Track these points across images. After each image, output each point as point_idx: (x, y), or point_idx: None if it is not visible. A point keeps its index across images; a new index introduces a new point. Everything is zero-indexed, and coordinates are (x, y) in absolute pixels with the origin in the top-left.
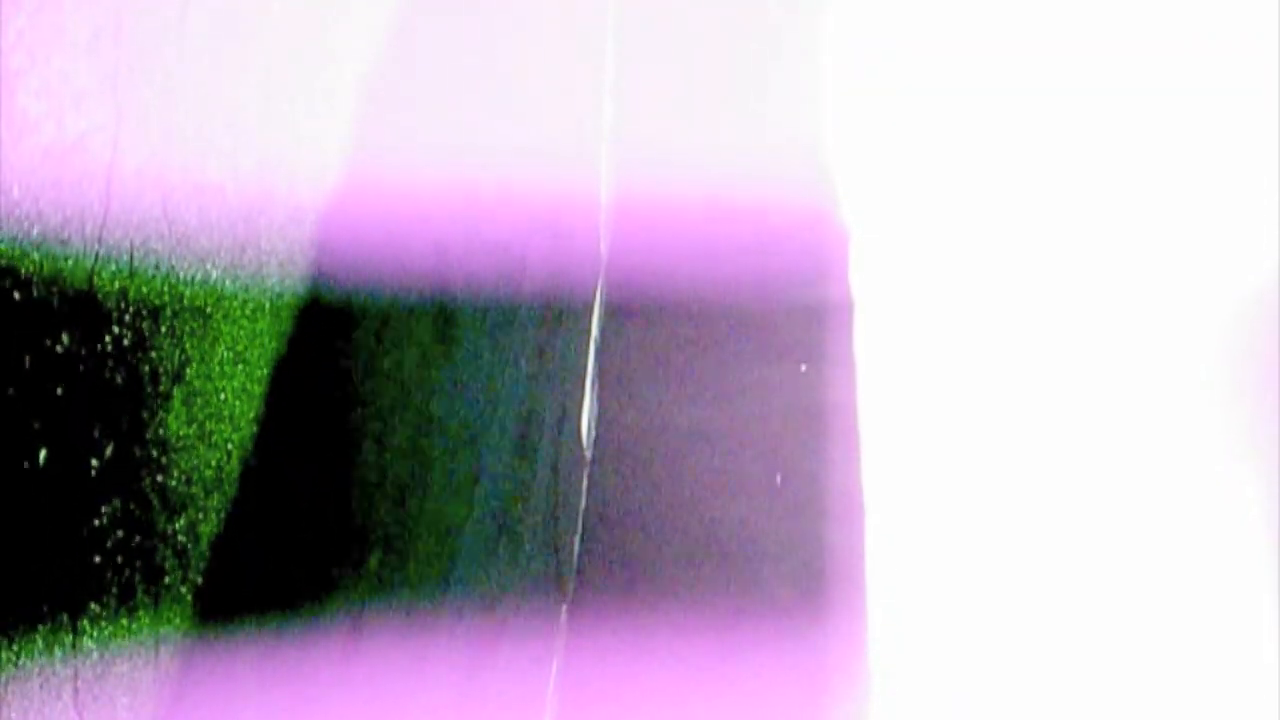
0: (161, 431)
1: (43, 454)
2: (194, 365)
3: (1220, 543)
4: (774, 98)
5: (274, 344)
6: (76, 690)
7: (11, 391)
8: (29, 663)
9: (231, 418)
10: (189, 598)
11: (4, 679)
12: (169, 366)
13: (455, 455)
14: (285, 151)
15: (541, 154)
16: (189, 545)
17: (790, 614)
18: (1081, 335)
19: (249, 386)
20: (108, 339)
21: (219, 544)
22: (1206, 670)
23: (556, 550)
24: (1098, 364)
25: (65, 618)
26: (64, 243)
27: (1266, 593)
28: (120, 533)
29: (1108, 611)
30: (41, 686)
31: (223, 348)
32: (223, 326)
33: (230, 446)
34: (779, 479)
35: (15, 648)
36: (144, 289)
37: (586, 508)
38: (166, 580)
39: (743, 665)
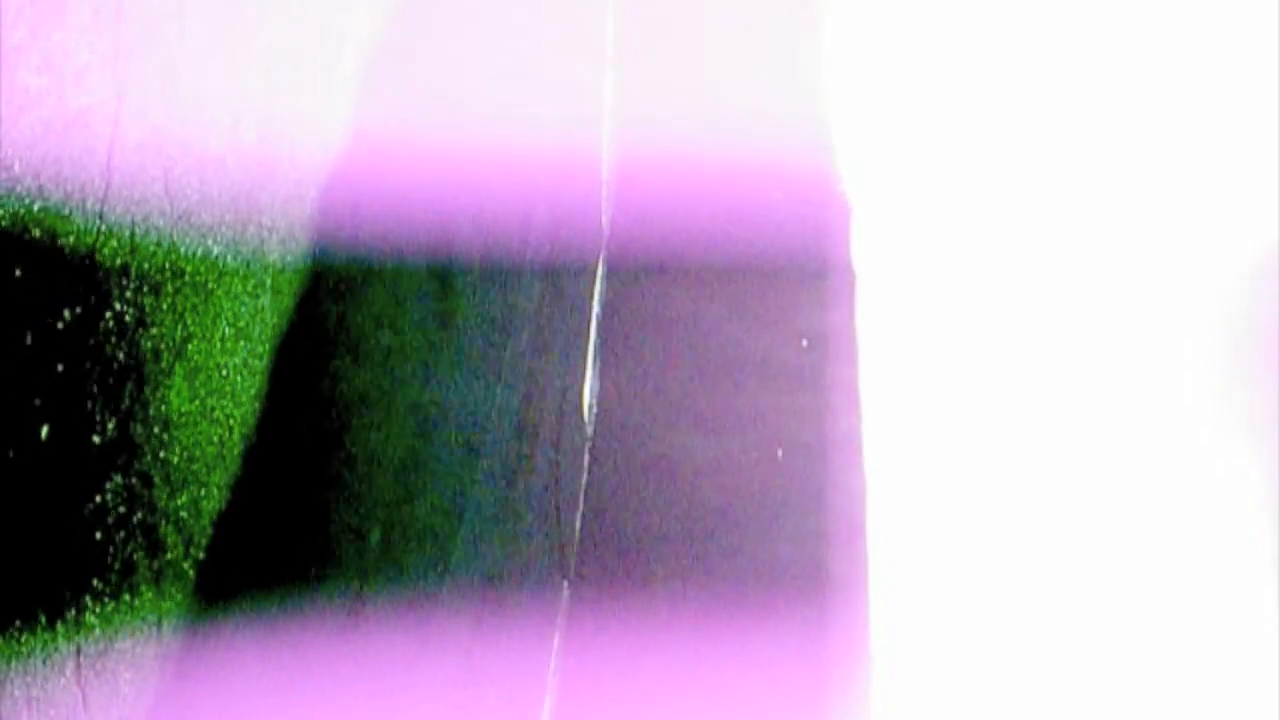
0: (163, 407)
1: (44, 430)
2: (196, 341)
3: (1222, 539)
4: (776, 69)
5: (276, 319)
6: (79, 666)
7: (13, 367)
8: (31, 639)
9: (233, 393)
10: (191, 574)
11: (6, 656)
12: (171, 342)
13: (456, 431)
14: (286, 126)
15: (543, 129)
16: (191, 521)
17: (793, 587)
18: (1085, 315)
19: (251, 362)
20: (109, 315)
21: (221, 520)
22: (1207, 668)
23: (558, 526)
24: (1102, 350)
25: (67, 594)
26: (65, 218)
27: (1267, 590)
28: (122, 509)
29: (1110, 608)
30: (44, 663)
31: (224, 323)
32: (224, 302)
33: (232, 422)
34: (780, 453)
35: (17, 624)
36: (145, 264)
37: (588, 483)
38: (169, 556)
39: (745, 641)
